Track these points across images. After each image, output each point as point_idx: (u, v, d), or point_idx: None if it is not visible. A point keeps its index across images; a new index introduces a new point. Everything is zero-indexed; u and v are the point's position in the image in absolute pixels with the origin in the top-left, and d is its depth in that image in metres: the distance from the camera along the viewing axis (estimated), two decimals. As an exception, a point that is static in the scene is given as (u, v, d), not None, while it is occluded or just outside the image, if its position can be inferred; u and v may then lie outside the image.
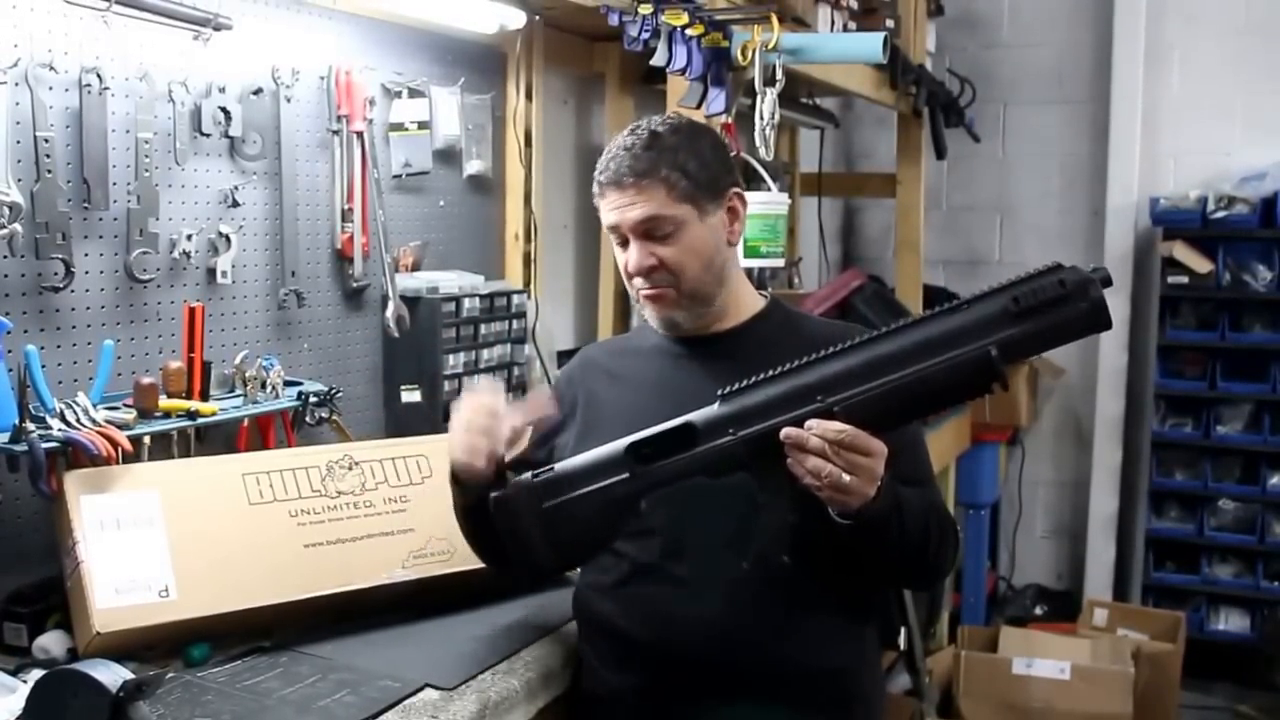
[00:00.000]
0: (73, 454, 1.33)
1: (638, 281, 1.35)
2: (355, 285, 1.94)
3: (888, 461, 1.15)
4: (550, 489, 1.24)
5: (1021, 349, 1.10)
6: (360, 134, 1.88)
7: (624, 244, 1.35)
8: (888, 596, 2.54)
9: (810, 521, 1.18)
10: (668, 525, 1.30)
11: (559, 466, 1.26)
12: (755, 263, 2.04)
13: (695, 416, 1.19)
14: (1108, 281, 1.09)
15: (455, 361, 2.01)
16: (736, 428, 1.17)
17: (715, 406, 1.19)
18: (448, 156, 2.15)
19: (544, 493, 1.24)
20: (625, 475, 1.20)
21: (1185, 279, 3.51)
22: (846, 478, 1.11)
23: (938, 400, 1.14)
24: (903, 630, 2.75)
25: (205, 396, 1.57)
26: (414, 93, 2.02)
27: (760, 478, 1.18)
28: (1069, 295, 1.08)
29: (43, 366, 1.37)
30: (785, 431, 1.12)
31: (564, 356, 2.32)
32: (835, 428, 1.11)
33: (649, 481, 1.20)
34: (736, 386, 1.19)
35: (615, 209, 1.34)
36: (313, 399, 1.69)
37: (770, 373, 1.17)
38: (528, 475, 1.27)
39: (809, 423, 1.12)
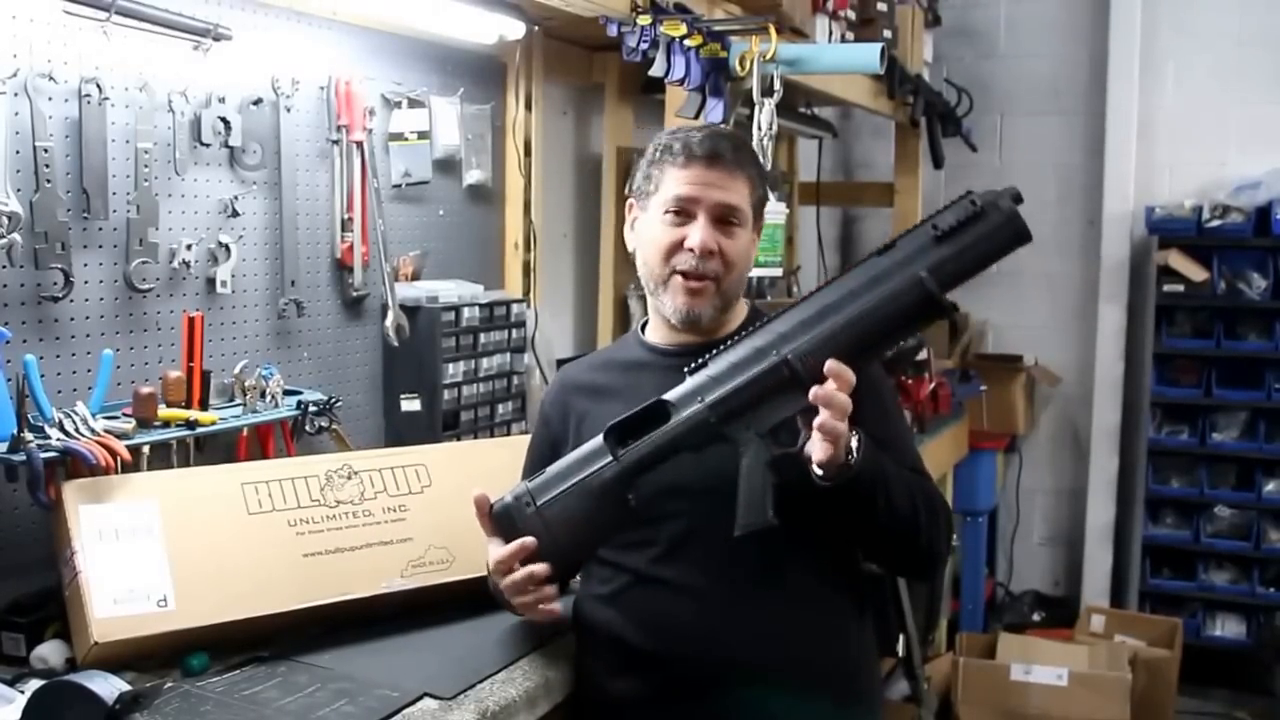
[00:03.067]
0: (71, 464, 1.33)
1: (685, 260, 1.33)
2: (355, 294, 1.94)
3: (879, 441, 1.19)
4: (541, 490, 1.29)
5: (950, 268, 1.16)
6: (360, 144, 1.88)
7: (681, 217, 1.33)
8: (885, 602, 2.54)
9: (802, 513, 1.21)
10: (665, 534, 1.31)
11: (548, 469, 1.30)
12: (754, 272, 2.04)
13: (668, 394, 1.24)
14: (1018, 197, 1.15)
15: (455, 370, 2.01)
16: (704, 395, 1.22)
17: (685, 383, 1.24)
18: (447, 166, 2.15)
19: (536, 494, 1.28)
20: (608, 461, 1.25)
21: (1181, 287, 3.53)
22: (834, 421, 1.14)
23: (886, 331, 1.20)
24: (901, 637, 2.75)
25: (204, 406, 1.57)
26: (414, 103, 2.03)
27: (736, 442, 1.21)
28: (982, 211, 1.15)
29: (42, 376, 1.37)
30: (814, 392, 1.14)
31: (564, 365, 2.32)
32: (838, 365, 1.14)
33: (632, 462, 1.24)
34: (699, 360, 1.24)
35: (699, 182, 1.32)
36: (312, 408, 1.69)
37: (729, 342, 1.23)
38: (522, 482, 1.30)
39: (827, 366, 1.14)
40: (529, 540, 1.28)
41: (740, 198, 1.34)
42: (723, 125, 1.38)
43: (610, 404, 1.40)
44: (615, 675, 1.35)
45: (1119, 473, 3.80)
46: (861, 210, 4.23)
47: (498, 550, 1.30)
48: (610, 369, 1.46)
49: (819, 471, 1.18)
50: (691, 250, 1.32)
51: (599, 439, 1.26)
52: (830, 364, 1.14)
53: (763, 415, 1.20)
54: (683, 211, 1.33)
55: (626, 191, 1.46)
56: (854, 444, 1.17)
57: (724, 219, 1.33)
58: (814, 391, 1.14)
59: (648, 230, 1.37)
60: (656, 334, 1.44)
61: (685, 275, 1.33)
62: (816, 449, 1.16)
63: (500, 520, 1.31)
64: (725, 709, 1.29)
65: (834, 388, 1.13)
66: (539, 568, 1.27)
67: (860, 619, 1.39)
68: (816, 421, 1.14)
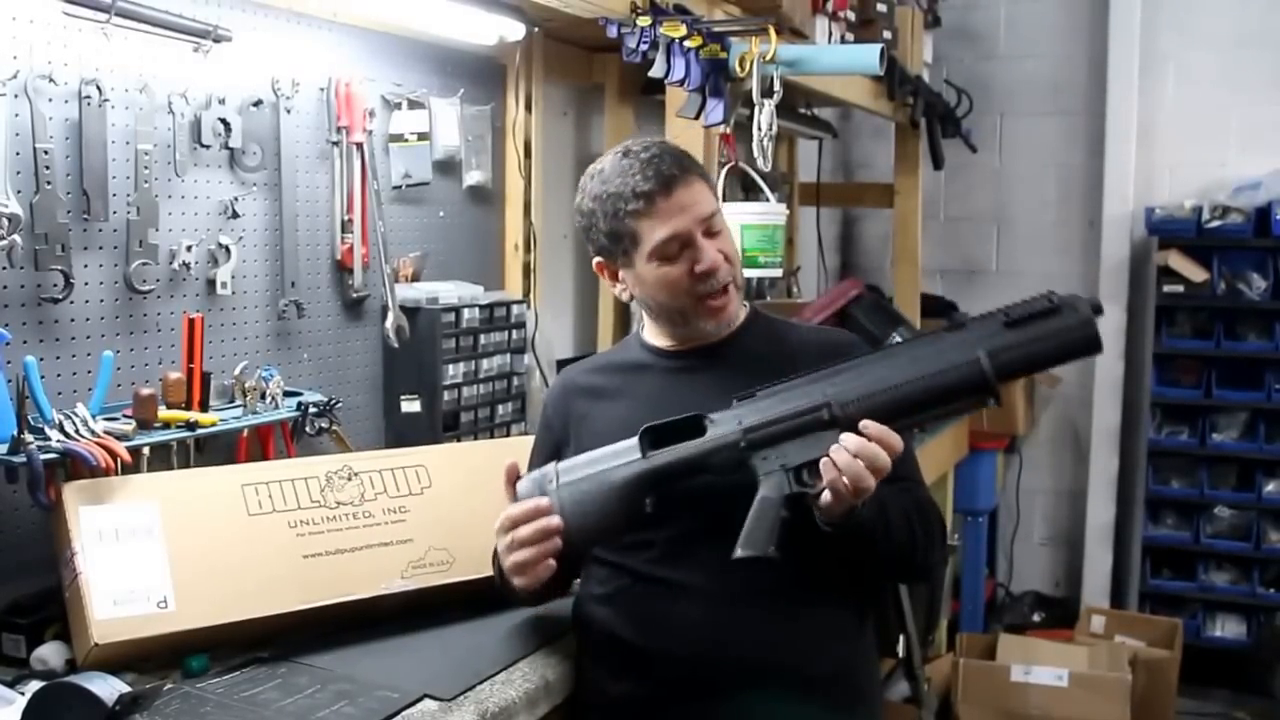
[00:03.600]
0: (71, 465, 1.33)
1: (705, 286, 1.33)
2: (355, 296, 1.94)
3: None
4: (568, 470, 1.30)
5: (1011, 357, 1.17)
6: (360, 145, 1.88)
7: (680, 253, 1.32)
8: (886, 603, 2.55)
9: (801, 522, 1.22)
10: (664, 535, 1.31)
11: (582, 455, 1.31)
12: (754, 273, 2.04)
13: (713, 414, 1.25)
14: (1098, 308, 1.16)
15: (455, 372, 2.01)
16: (742, 420, 1.24)
17: (731, 409, 1.25)
18: (447, 167, 2.15)
19: (562, 473, 1.30)
20: (636, 458, 1.26)
21: (1181, 288, 3.53)
22: (871, 482, 1.15)
23: (930, 400, 1.20)
24: (901, 638, 2.75)
25: (205, 407, 1.57)
26: (414, 104, 2.03)
27: (758, 471, 1.23)
28: (1057, 309, 1.16)
29: (42, 377, 1.37)
30: (869, 426, 1.16)
31: (564, 365, 2.32)
32: (882, 430, 1.16)
33: (657, 465, 1.25)
34: (752, 390, 1.25)
35: (675, 212, 1.31)
36: (312, 409, 1.69)
37: (786, 382, 1.25)
38: (551, 464, 1.32)
39: (866, 425, 1.17)
40: (544, 501, 1.28)
41: (709, 200, 1.35)
42: (630, 147, 1.36)
43: (612, 406, 1.40)
44: (614, 676, 1.35)
45: (1119, 473, 3.80)
46: (861, 211, 4.23)
47: (512, 507, 1.30)
48: (611, 371, 1.46)
49: (822, 517, 1.21)
50: (707, 273, 1.32)
51: (633, 438, 1.27)
52: (874, 427, 1.16)
53: (791, 451, 1.22)
54: (680, 246, 1.32)
55: (591, 252, 1.42)
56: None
57: (709, 229, 1.34)
58: (860, 445, 1.15)
59: (649, 279, 1.35)
60: (658, 337, 1.44)
61: (713, 295, 1.34)
62: (832, 498, 1.18)
63: (523, 488, 1.33)
64: (724, 710, 1.29)
65: (878, 448, 1.15)
66: (554, 520, 1.27)
67: (860, 620, 1.39)
68: (847, 478, 1.15)
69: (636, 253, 1.34)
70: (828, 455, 1.16)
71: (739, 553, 1.20)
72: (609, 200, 1.33)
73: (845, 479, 1.15)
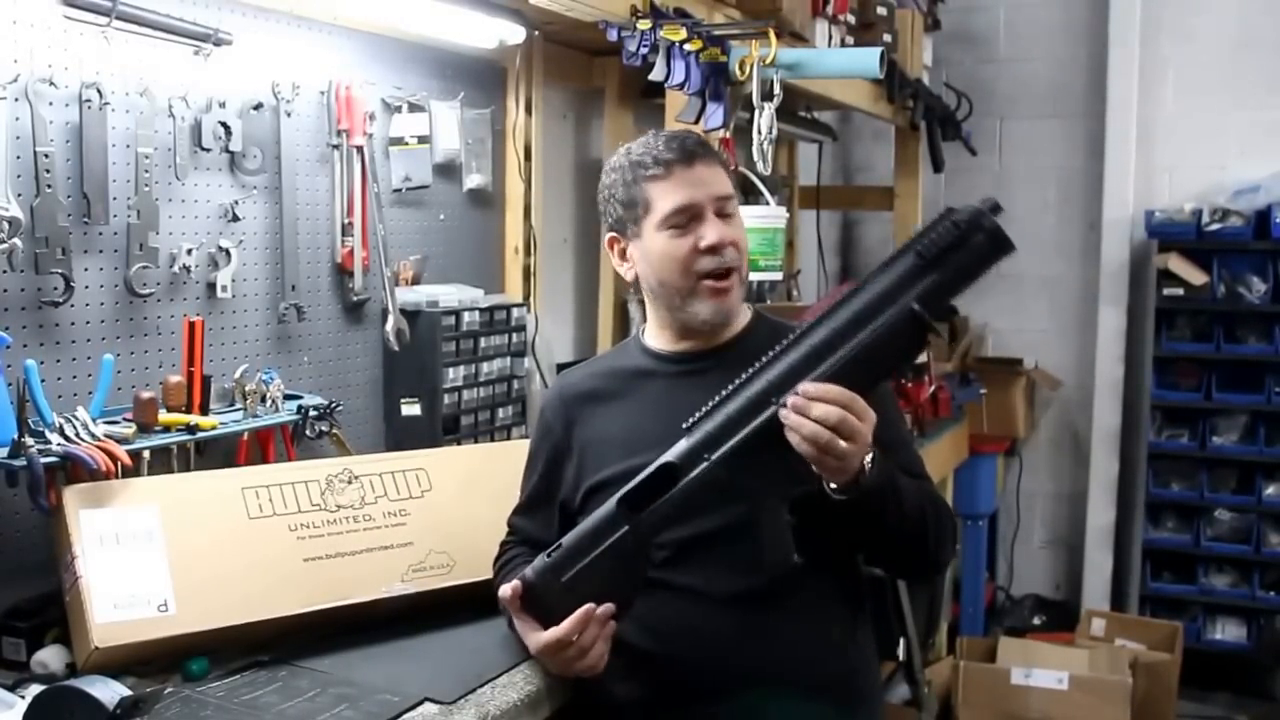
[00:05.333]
0: (72, 468, 1.33)
1: (709, 262, 1.31)
2: (355, 299, 1.94)
3: (882, 447, 1.18)
4: (564, 565, 1.25)
5: (940, 294, 1.16)
6: (360, 148, 1.89)
7: (688, 225, 1.32)
8: (886, 606, 2.54)
9: (809, 518, 1.21)
10: (676, 537, 1.30)
11: (565, 541, 1.27)
12: (754, 276, 2.05)
13: (670, 454, 1.21)
14: (997, 208, 1.14)
15: (455, 375, 2.01)
16: (709, 452, 1.20)
17: (684, 441, 1.21)
18: (447, 171, 2.15)
19: (560, 569, 1.25)
20: (626, 529, 1.23)
21: (1180, 291, 3.53)
22: (842, 443, 1.13)
23: (882, 366, 1.18)
24: (901, 641, 2.74)
25: (205, 410, 1.58)
26: (414, 107, 2.03)
27: (749, 492, 1.21)
28: (965, 232, 1.14)
29: (42, 381, 1.37)
30: (788, 405, 1.13)
31: (564, 369, 2.32)
32: (819, 386, 1.13)
33: (650, 526, 1.23)
34: (696, 416, 1.21)
35: (691, 184, 1.31)
36: (312, 413, 1.69)
37: (723, 393, 1.21)
38: (541, 557, 1.28)
39: (800, 386, 1.14)
40: (579, 614, 1.22)
41: (727, 185, 1.36)
42: (661, 131, 1.39)
43: (614, 412, 1.40)
44: (619, 678, 1.35)
45: (1119, 476, 3.80)
46: (862, 214, 4.23)
47: (551, 632, 1.24)
48: (612, 377, 1.44)
49: (832, 486, 1.19)
50: (712, 249, 1.31)
51: (610, 506, 1.23)
52: (812, 387, 1.12)
53: (771, 464, 1.19)
54: (689, 218, 1.32)
55: (605, 229, 1.43)
56: (867, 461, 1.18)
57: (722, 210, 1.34)
58: (800, 404, 1.12)
59: (654, 250, 1.34)
60: (659, 340, 1.43)
61: (711, 276, 1.32)
62: (818, 468, 1.16)
63: (530, 603, 1.28)
64: (728, 713, 1.29)
65: (820, 404, 1.12)
66: (606, 608, 1.23)
67: (861, 623, 1.39)
68: (808, 442, 1.13)
69: (647, 220, 1.34)
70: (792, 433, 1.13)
71: (769, 570, 1.19)
72: (630, 168, 1.36)
73: (807, 444, 1.12)
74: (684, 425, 1.22)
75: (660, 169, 1.32)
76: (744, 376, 1.20)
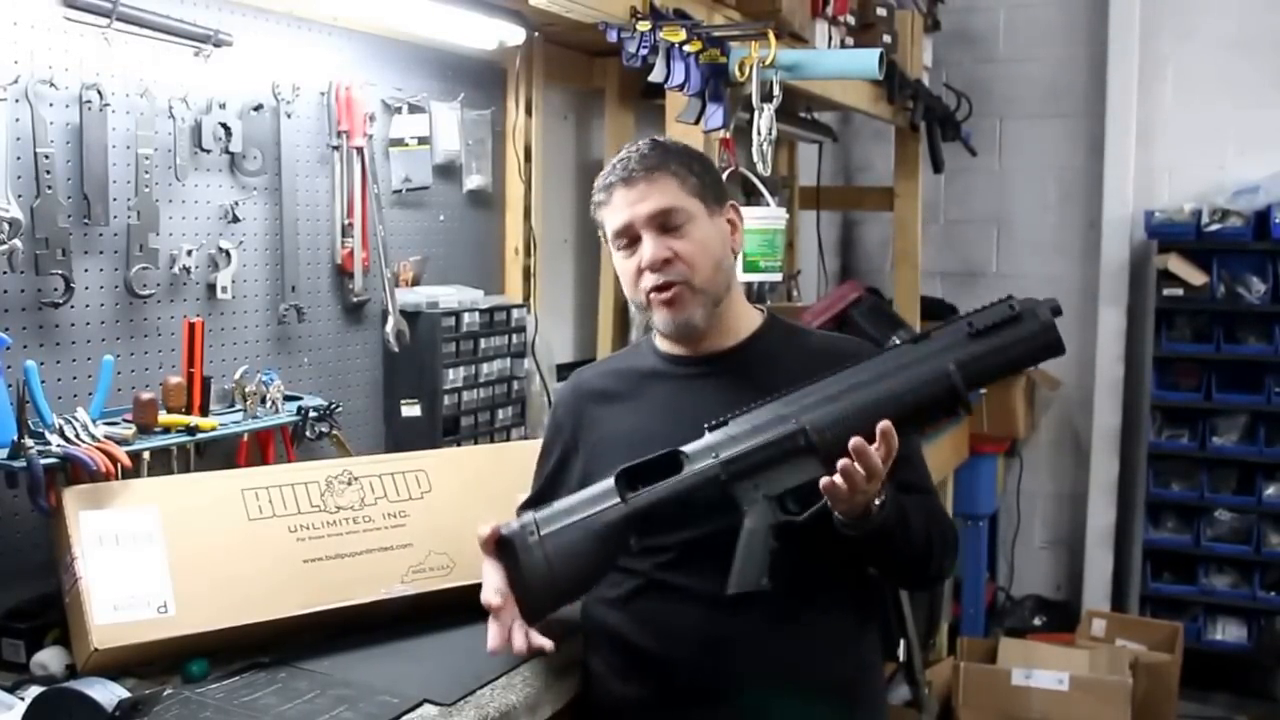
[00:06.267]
0: (72, 470, 1.33)
1: (649, 280, 1.33)
2: (355, 300, 1.94)
3: (890, 471, 1.19)
4: (549, 520, 1.29)
5: (978, 366, 1.19)
6: (360, 149, 1.89)
7: (632, 246, 1.34)
8: (887, 608, 2.54)
9: (800, 536, 1.23)
10: (675, 540, 1.31)
11: (557, 503, 1.30)
12: (754, 277, 2.04)
13: (687, 447, 1.25)
14: (1058, 310, 1.18)
15: (455, 376, 2.01)
16: (719, 452, 1.23)
17: (705, 437, 1.25)
18: (447, 172, 2.15)
19: (542, 525, 1.29)
20: (617, 502, 1.25)
21: (1180, 291, 3.52)
22: (864, 480, 1.16)
23: (904, 417, 1.20)
24: (902, 642, 2.75)
25: (205, 412, 1.58)
26: (414, 108, 2.03)
27: (741, 502, 1.23)
28: (1019, 316, 1.18)
29: (42, 382, 1.37)
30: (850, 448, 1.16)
31: (564, 370, 2.32)
32: (860, 444, 1.16)
33: (639, 508, 1.25)
34: (722, 418, 1.25)
35: (626, 205, 1.33)
36: (312, 414, 1.69)
37: (753, 405, 1.25)
38: (529, 513, 1.31)
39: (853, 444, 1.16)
40: (495, 599, 1.28)
41: (670, 196, 1.33)
42: (633, 143, 1.41)
43: (623, 412, 1.40)
44: (622, 679, 1.35)
45: (1119, 476, 3.79)
46: (862, 214, 4.23)
47: (492, 577, 1.30)
48: (624, 377, 1.45)
49: (841, 519, 1.21)
50: (647, 269, 1.33)
51: (610, 480, 1.27)
52: (858, 443, 1.15)
53: (772, 479, 1.22)
54: (629, 239, 1.35)
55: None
56: (878, 501, 1.20)
57: (665, 225, 1.33)
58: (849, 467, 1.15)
59: (617, 267, 1.40)
60: (665, 343, 1.44)
61: (656, 290, 1.34)
62: (833, 504, 1.19)
63: (503, 546, 1.31)
64: (731, 714, 1.30)
65: (857, 464, 1.15)
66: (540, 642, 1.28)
67: (864, 625, 1.39)
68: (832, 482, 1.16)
69: (607, 241, 1.39)
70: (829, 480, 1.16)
71: (732, 590, 1.21)
72: (594, 192, 1.40)
73: (841, 476, 1.16)
74: (706, 425, 1.25)
75: (603, 194, 1.37)
76: (785, 395, 1.24)
